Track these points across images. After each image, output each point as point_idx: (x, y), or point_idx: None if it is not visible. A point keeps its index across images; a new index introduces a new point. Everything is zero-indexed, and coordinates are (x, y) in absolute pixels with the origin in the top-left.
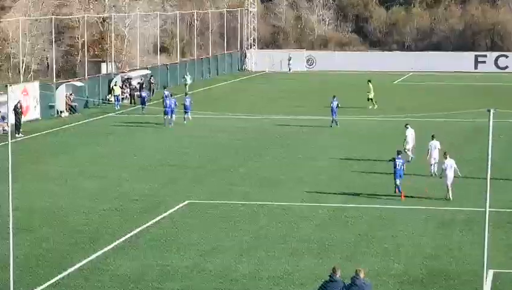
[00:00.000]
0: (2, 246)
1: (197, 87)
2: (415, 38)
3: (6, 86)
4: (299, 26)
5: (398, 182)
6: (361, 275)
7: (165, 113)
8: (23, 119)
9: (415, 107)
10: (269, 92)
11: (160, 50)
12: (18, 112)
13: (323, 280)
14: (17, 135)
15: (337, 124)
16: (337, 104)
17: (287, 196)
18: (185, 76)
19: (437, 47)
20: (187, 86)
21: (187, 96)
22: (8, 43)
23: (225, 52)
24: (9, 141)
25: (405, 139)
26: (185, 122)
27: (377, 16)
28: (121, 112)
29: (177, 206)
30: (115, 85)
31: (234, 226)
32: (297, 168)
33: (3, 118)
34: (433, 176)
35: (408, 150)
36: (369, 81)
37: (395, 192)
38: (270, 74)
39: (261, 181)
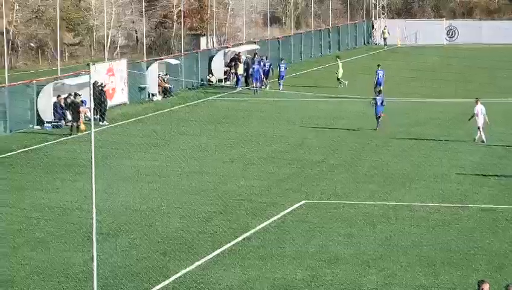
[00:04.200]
0: (85, 254)
1: (313, 64)
2: None
3: (89, 64)
4: None
5: (379, 117)
6: (485, 288)
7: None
8: (109, 104)
9: None
10: (400, 70)
11: (270, 21)
12: (101, 94)
13: None
14: (101, 123)
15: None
16: (383, 74)
17: (423, 195)
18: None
19: None
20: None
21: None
22: (90, 14)
23: (348, 22)
24: (92, 130)
25: (473, 116)
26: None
27: None
28: (219, 94)
29: (292, 208)
30: (239, 62)
31: (359, 231)
32: (434, 161)
33: (83, 102)
34: None
35: (479, 128)
36: (338, 57)
37: (375, 129)
38: (402, 48)
39: (391, 177)
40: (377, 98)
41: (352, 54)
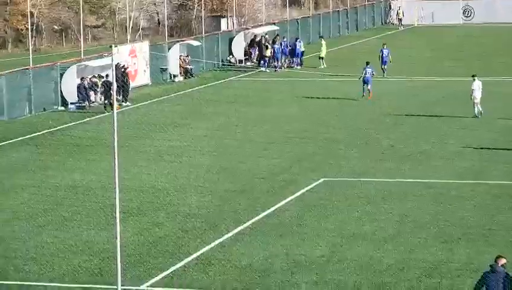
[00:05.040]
0: (108, 233)
1: (331, 45)
2: None
3: (111, 46)
4: None
5: (369, 86)
6: (501, 263)
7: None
8: (131, 85)
9: None
10: (417, 49)
11: (289, 2)
12: (123, 75)
13: (483, 271)
14: (124, 104)
15: (384, 74)
16: (388, 52)
17: (440, 171)
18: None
19: None
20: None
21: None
22: None
23: (366, 3)
24: (114, 110)
25: (472, 92)
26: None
27: None
28: (239, 75)
29: (311, 185)
30: (268, 44)
31: (377, 208)
32: (452, 139)
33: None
34: None
35: (476, 103)
36: (322, 37)
37: (362, 96)
38: (419, 27)
39: (408, 155)
40: (367, 68)
41: (369, 34)
